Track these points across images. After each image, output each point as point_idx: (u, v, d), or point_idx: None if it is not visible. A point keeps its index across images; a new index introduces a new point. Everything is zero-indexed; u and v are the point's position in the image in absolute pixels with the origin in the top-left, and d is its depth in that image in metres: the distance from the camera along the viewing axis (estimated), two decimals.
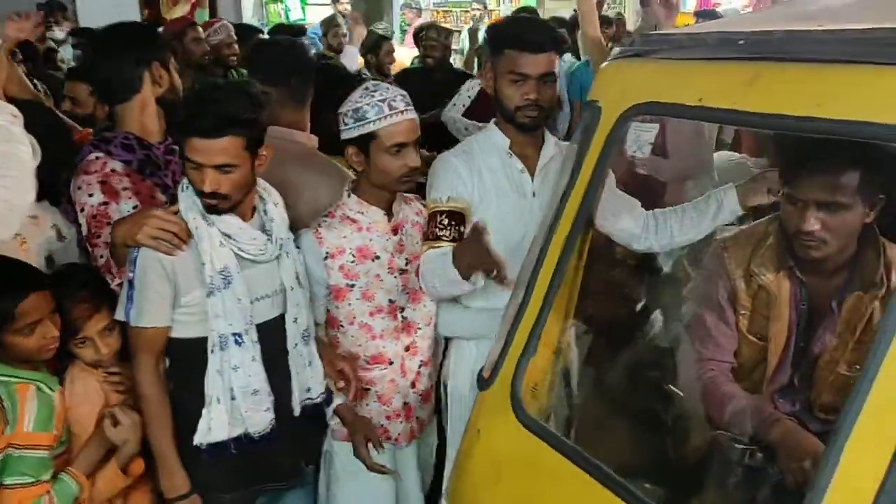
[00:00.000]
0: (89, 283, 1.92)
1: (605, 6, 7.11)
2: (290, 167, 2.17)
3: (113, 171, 1.99)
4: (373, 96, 1.96)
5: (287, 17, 7.89)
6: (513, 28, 2.22)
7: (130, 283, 1.81)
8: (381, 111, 1.95)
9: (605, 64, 1.59)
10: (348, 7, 8.33)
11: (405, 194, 2.20)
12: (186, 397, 1.88)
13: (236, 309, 1.84)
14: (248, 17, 7.77)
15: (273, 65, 2.41)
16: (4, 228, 1.72)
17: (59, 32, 6.43)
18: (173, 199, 1.94)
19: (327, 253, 2.04)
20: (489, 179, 2.15)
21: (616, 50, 1.60)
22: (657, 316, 2.02)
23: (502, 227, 2.05)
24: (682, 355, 1.89)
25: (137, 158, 2.03)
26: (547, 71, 2.08)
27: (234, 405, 1.85)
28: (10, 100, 2.07)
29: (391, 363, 2.14)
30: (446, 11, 10.18)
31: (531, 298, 1.56)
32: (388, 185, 2.05)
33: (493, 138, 2.20)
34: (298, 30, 5.64)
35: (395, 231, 2.12)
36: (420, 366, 2.20)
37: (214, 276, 1.81)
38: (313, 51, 5.29)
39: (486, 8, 8.82)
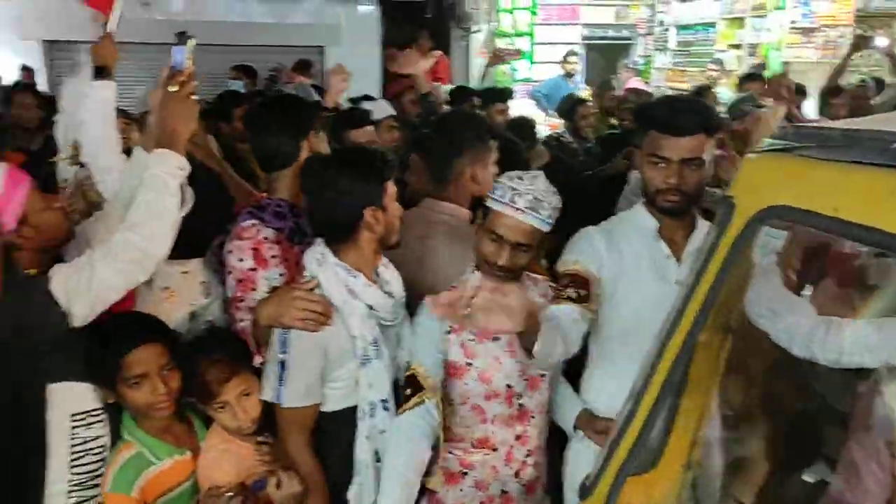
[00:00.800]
0: (228, 345, 1.94)
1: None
2: (439, 239, 2.23)
3: (265, 238, 2.07)
4: (514, 181, 1.92)
5: (513, 78, 8.10)
6: (659, 108, 2.09)
7: (282, 364, 1.84)
8: (504, 196, 1.92)
9: (749, 155, 1.44)
10: (577, 66, 8.41)
11: (534, 275, 2.14)
12: (327, 468, 1.93)
13: (386, 376, 1.91)
14: (476, 75, 8.09)
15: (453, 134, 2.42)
16: (134, 274, 1.84)
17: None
18: None
19: (450, 327, 2.02)
20: (630, 261, 2.04)
21: (767, 140, 1.44)
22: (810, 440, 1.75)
23: (638, 314, 1.91)
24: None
25: (288, 226, 2.12)
26: (691, 156, 1.95)
27: (378, 468, 1.90)
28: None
29: (496, 450, 2.05)
30: (682, 71, 9.89)
31: (639, 407, 1.43)
32: (479, 262, 1.99)
33: (639, 219, 2.09)
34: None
35: None
36: (527, 455, 2.08)
37: (367, 347, 1.88)
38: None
39: (723, 68, 8.38)
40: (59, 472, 1.86)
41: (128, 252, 1.81)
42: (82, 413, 1.88)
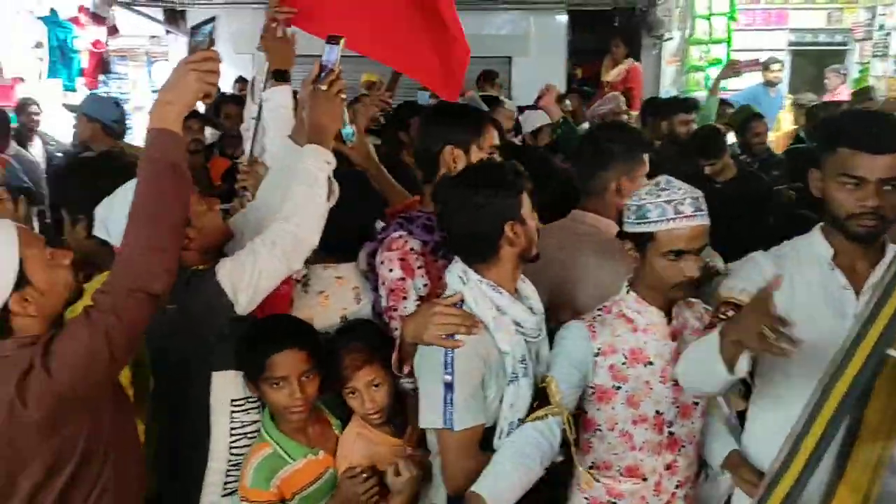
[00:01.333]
0: (366, 336, 2.00)
1: None
2: (587, 252, 2.17)
3: (412, 249, 2.08)
4: (659, 195, 1.83)
5: (706, 85, 7.68)
6: (850, 122, 1.85)
7: (448, 385, 1.78)
8: (664, 213, 1.81)
9: None
10: (780, 75, 7.81)
11: (689, 299, 2.00)
12: None
13: (528, 395, 1.87)
14: (667, 84, 7.77)
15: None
16: (291, 262, 1.93)
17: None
18: None
19: (598, 349, 1.92)
20: (803, 294, 1.83)
21: None
22: None
23: (810, 352, 1.69)
24: None
25: (434, 240, 2.11)
26: (891, 175, 1.71)
27: None
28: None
29: (645, 479, 1.93)
30: None
31: (798, 451, 1.27)
32: (661, 289, 1.89)
33: (814, 246, 1.88)
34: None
35: (673, 337, 1.92)
36: (677, 486, 1.95)
37: (516, 365, 1.84)
38: None
39: None
40: (220, 452, 2.01)
41: (285, 240, 1.91)
42: (241, 399, 2.02)
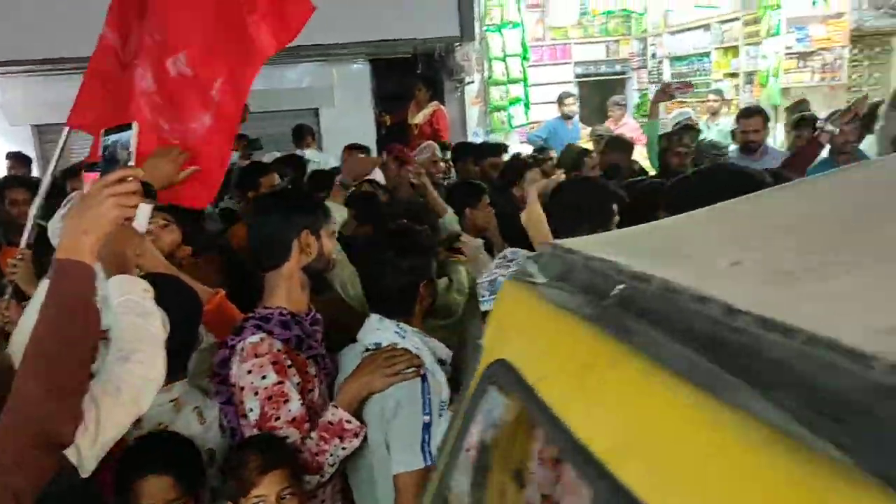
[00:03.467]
0: (259, 445, 1.84)
1: None
2: None
3: (278, 350, 1.97)
4: (508, 266, 1.87)
5: (510, 125, 8.02)
6: None
7: (427, 426, 1.88)
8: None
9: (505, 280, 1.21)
10: (574, 108, 8.29)
11: None
12: None
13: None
14: (473, 124, 8.00)
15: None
16: (141, 405, 1.67)
17: (309, 153, 7.00)
18: (325, 370, 2.07)
19: None
20: None
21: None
22: None
23: None
24: None
25: (294, 335, 2.01)
26: None
27: None
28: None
29: None
30: (680, 102, 9.79)
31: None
32: None
33: None
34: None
35: None
36: None
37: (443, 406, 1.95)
38: None
39: (723, 97, 8.27)
40: None
41: (130, 383, 1.65)
42: None
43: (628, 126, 7.60)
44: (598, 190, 2.48)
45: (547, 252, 1.03)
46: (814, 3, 7.69)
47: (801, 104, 6.63)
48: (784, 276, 0.70)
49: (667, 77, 10.39)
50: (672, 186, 2.46)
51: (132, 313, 1.70)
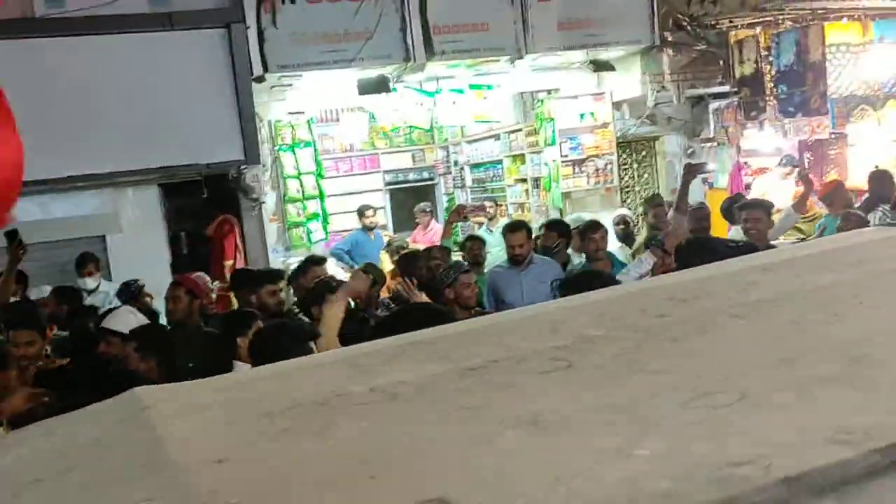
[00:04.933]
0: None
1: None
2: None
3: None
4: None
5: (309, 240, 8.09)
6: None
7: None
8: None
9: None
10: (375, 219, 8.49)
11: None
12: None
13: None
14: (272, 242, 8.01)
15: None
16: None
17: (90, 282, 6.71)
18: None
19: None
20: None
21: None
22: None
23: None
24: None
25: None
26: None
27: None
28: None
29: None
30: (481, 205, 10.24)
31: None
32: None
33: None
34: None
35: None
36: None
37: None
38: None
39: (496, 204, 8.90)
40: None
41: None
42: None
43: (437, 231, 7.86)
44: None
45: None
46: (581, 116, 8.41)
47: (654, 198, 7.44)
48: None
49: (468, 182, 10.94)
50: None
51: None
